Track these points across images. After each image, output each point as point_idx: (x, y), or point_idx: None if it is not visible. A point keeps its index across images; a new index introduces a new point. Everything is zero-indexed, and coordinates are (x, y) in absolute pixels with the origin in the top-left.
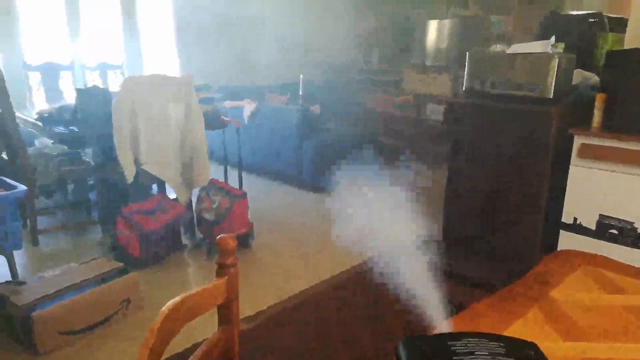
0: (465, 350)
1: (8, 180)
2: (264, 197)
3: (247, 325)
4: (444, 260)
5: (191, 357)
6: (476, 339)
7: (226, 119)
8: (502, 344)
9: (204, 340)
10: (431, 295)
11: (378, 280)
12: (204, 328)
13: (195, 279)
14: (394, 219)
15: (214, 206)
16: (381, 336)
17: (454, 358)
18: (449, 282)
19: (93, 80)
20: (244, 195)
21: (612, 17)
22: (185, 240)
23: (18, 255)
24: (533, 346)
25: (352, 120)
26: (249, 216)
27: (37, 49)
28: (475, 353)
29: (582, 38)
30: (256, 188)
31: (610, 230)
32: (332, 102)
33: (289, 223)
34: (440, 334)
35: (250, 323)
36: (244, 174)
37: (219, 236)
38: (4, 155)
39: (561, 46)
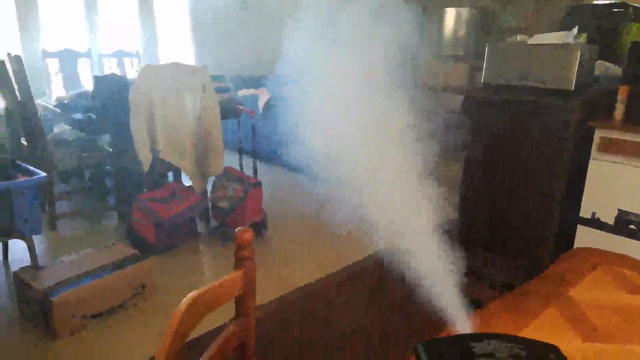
0: (486, 352)
1: (28, 166)
2: (279, 187)
3: (258, 314)
4: (457, 254)
5: (208, 349)
6: (497, 341)
7: (241, 107)
8: (522, 346)
9: (217, 327)
10: (444, 288)
11: (391, 272)
12: (217, 316)
13: (210, 266)
14: (409, 211)
15: (229, 195)
16: (392, 327)
17: None
18: (462, 276)
19: (110, 67)
20: (259, 184)
21: (637, 7)
22: (200, 228)
23: (37, 239)
24: (554, 349)
25: None
26: (263, 205)
27: (55, 36)
28: (496, 355)
29: (605, 28)
30: (271, 177)
31: (629, 226)
32: None
33: (303, 213)
34: (460, 335)
35: (262, 312)
36: (259, 163)
37: (237, 229)
38: (24, 142)
39: (584, 37)
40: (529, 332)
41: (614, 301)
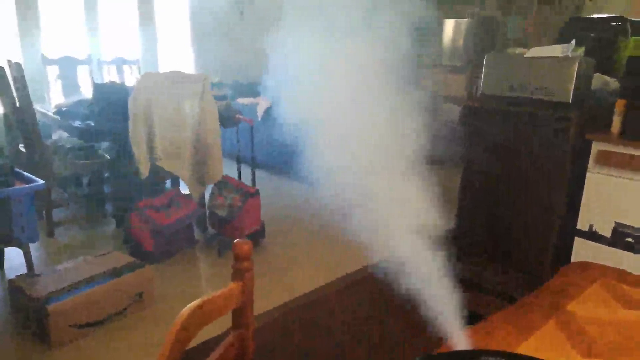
0: None
1: (26, 173)
2: (277, 195)
3: (256, 323)
4: (456, 264)
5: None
6: (496, 358)
7: (240, 117)
8: None
9: (215, 337)
10: (443, 299)
11: (390, 281)
12: (215, 325)
13: (207, 274)
14: (407, 221)
15: (227, 203)
16: (392, 337)
17: None
18: (460, 287)
19: (109, 74)
20: (257, 193)
21: (634, 21)
22: (197, 236)
23: (34, 247)
24: None
25: None
26: (261, 214)
27: (55, 43)
28: None
29: (603, 42)
30: (270, 186)
31: (626, 239)
32: None
33: (301, 221)
34: (458, 351)
35: (258, 322)
36: (257, 172)
37: (235, 241)
38: (22, 148)
39: (581, 50)
40: (529, 346)
41: (612, 316)
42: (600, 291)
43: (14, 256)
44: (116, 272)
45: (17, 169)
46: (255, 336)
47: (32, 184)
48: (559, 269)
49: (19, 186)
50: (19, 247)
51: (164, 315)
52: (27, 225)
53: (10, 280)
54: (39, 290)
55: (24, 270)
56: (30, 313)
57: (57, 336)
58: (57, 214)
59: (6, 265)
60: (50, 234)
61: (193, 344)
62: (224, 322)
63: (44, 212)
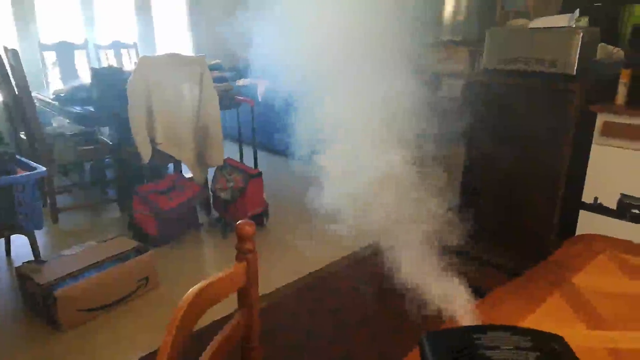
0: (490, 344)
1: (28, 161)
2: (280, 176)
3: (260, 304)
4: (461, 240)
5: (213, 340)
6: (501, 332)
7: (240, 98)
8: (528, 337)
9: (221, 318)
10: (447, 274)
11: (394, 259)
12: (221, 307)
13: (211, 257)
14: (410, 198)
15: (229, 185)
16: (395, 317)
17: (480, 352)
18: (465, 263)
19: (107, 59)
20: (259, 174)
21: None
22: (201, 219)
23: (39, 233)
24: (559, 339)
25: None
26: (264, 195)
27: (52, 29)
28: (501, 347)
29: (606, 11)
30: (272, 167)
31: (632, 210)
32: None
33: (304, 202)
34: (464, 327)
35: (264, 302)
36: (259, 153)
37: (238, 222)
38: (23, 136)
39: (585, 20)
40: (534, 320)
41: (619, 288)
42: (606, 263)
43: (20, 244)
44: (121, 257)
45: (19, 157)
46: (261, 316)
47: (34, 171)
48: (564, 242)
49: (21, 174)
50: (25, 234)
51: (170, 298)
52: (31, 212)
53: (18, 268)
54: (46, 277)
55: (30, 257)
56: (39, 299)
57: (66, 320)
58: (61, 201)
59: (13, 253)
60: (55, 221)
61: (199, 325)
62: (230, 304)
63: (47, 199)
